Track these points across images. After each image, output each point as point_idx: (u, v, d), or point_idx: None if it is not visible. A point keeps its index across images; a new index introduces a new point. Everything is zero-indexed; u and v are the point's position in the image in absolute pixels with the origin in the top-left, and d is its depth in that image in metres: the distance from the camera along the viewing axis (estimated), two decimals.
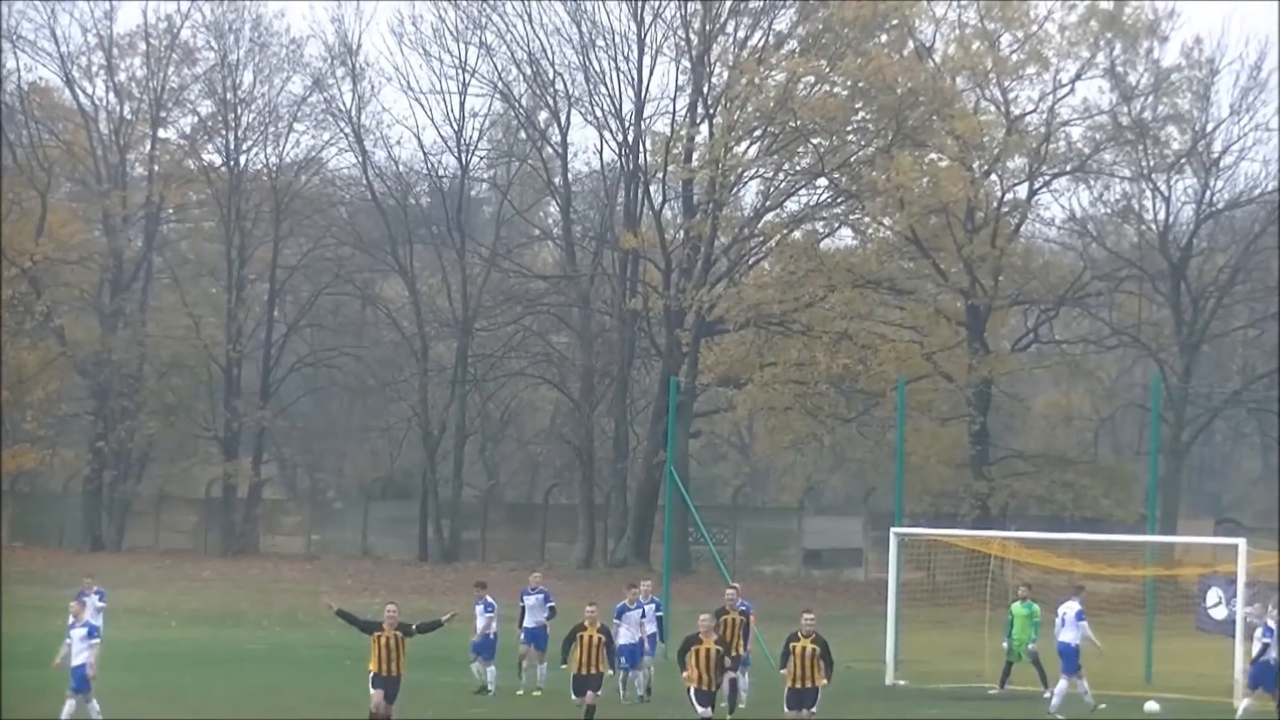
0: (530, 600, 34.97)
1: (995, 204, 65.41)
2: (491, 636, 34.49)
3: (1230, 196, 66.62)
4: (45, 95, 73.52)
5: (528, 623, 34.68)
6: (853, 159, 64.13)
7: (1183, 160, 64.88)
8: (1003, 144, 64.67)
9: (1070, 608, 34.12)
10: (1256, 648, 32.15)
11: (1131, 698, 34.04)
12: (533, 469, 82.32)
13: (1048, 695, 35.35)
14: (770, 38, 65.44)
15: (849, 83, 63.13)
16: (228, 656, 42.03)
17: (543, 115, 71.30)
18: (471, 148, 71.84)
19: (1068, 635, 33.82)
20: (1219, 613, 39.66)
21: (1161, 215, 65.84)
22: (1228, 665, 34.41)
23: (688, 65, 65.90)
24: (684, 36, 65.80)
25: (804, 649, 26.49)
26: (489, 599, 35.15)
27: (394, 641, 26.12)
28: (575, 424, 70.95)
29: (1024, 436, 72.65)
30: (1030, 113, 65.55)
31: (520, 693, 34.05)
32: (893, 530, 39.89)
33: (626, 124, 67.26)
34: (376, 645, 26.13)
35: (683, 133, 65.33)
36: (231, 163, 72.91)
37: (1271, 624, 32.53)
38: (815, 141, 63.90)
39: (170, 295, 75.24)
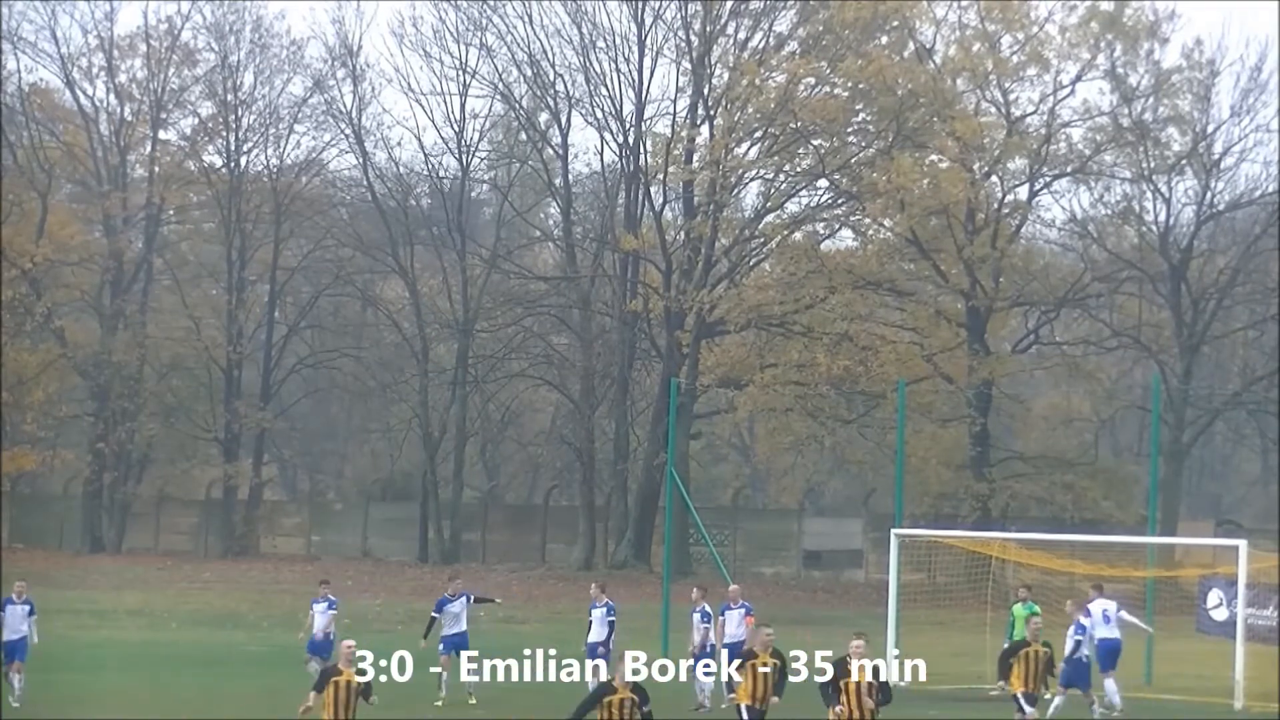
0: (454, 607, 33.56)
1: (996, 205, 65.41)
2: (330, 636, 34.00)
3: (1231, 198, 66.69)
4: (45, 96, 73.39)
5: (449, 630, 33.25)
6: (853, 160, 64.13)
7: (1183, 162, 64.89)
8: (1003, 145, 64.68)
9: (1108, 606, 33.67)
10: (1069, 645, 32.00)
11: (1132, 699, 34.00)
12: (533, 470, 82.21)
13: (1048, 697, 35.31)
14: (771, 39, 65.48)
15: (849, 84, 63.17)
16: (227, 658, 42.03)
17: (543, 116, 71.28)
18: (472, 149, 71.82)
19: (1109, 632, 33.38)
20: (1220, 614, 39.66)
21: (1162, 217, 65.90)
22: (1228, 666, 34.39)
23: (688, 67, 65.87)
24: (684, 38, 65.79)
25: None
26: (331, 596, 35.10)
27: (629, 706, 20.27)
28: (575, 425, 70.88)
29: (1024, 438, 72.56)
30: (1031, 114, 65.63)
31: (439, 704, 32.20)
32: (893, 531, 39.83)
33: (627, 125, 67.23)
34: (607, 713, 20.26)
35: (683, 134, 65.29)
36: (232, 164, 72.88)
37: (1084, 621, 32.42)
38: (816, 143, 63.91)
39: (171, 297, 75.13)
